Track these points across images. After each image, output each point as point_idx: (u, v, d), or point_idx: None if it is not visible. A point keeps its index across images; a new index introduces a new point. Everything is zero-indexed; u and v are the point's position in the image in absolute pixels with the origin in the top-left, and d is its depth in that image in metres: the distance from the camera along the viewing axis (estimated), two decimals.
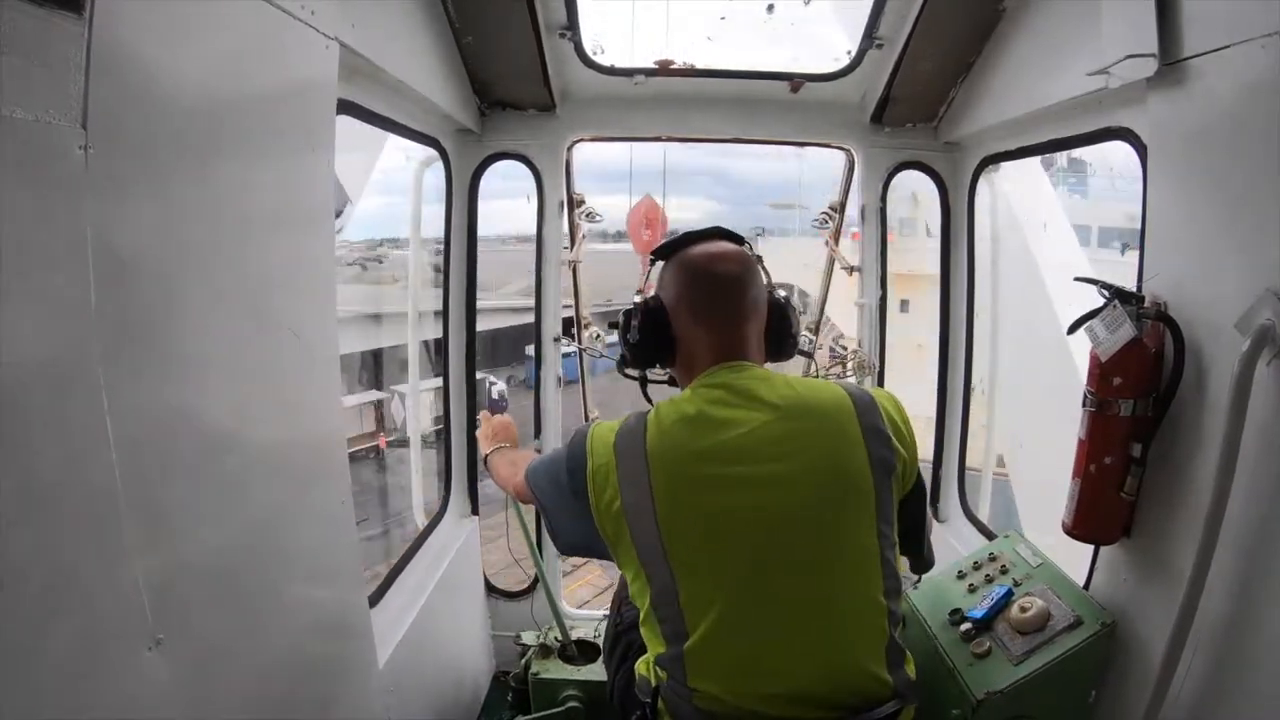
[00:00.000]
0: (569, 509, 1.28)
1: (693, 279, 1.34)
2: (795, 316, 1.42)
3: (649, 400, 1.42)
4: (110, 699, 0.86)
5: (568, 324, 2.70)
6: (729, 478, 1.20)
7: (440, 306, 2.64)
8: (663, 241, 1.43)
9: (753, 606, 1.18)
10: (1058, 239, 3.13)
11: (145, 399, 0.93)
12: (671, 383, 1.47)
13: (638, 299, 1.39)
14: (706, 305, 1.33)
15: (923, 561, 1.44)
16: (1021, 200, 2.94)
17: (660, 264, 1.40)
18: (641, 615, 1.25)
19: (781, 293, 1.41)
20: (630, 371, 1.47)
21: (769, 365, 1.38)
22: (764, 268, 1.40)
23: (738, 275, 1.33)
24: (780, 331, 1.38)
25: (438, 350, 2.70)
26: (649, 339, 1.36)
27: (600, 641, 2.16)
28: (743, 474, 1.20)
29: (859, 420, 1.24)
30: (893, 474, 1.24)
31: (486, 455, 1.81)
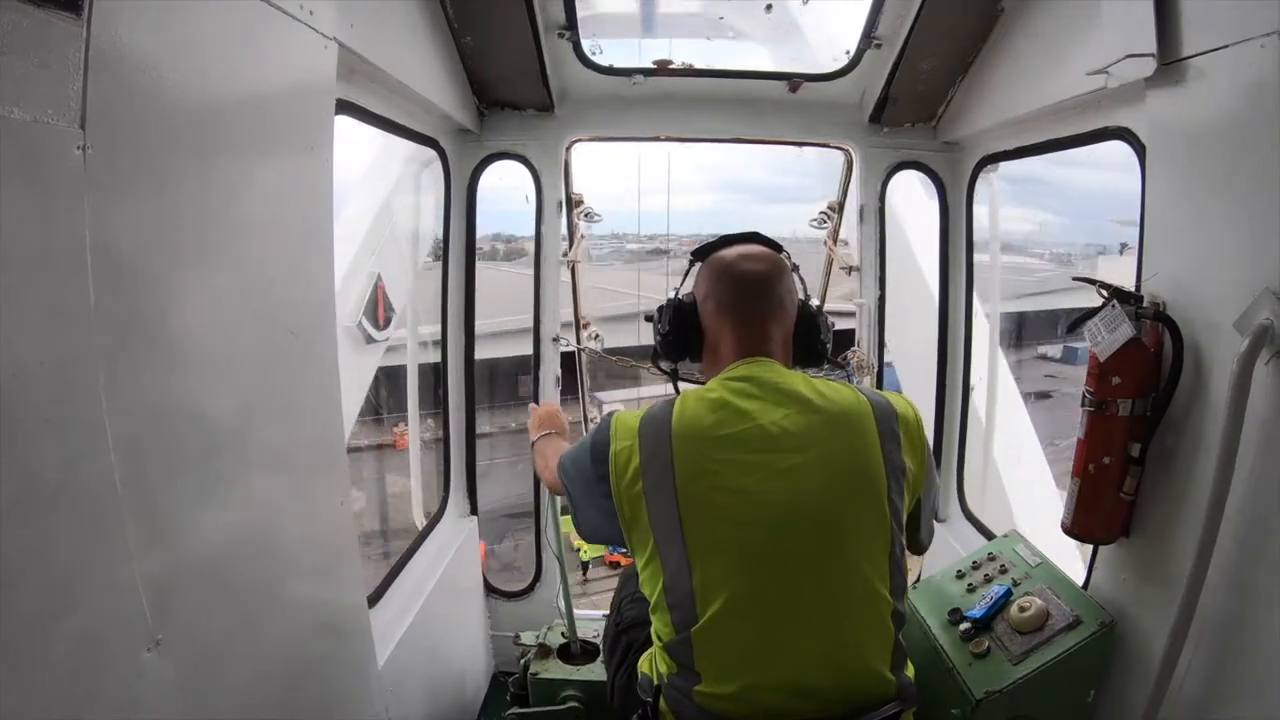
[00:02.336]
0: (592, 494, 1.31)
1: (720, 275, 1.40)
2: (825, 325, 1.47)
3: (678, 393, 1.44)
4: (110, 699, 0.86)
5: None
6: (749, 464, 1.22)
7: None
8: (700, 244, 1.49)
9: (763, 592, 1.20)
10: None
11: (144, 399, 0.93)
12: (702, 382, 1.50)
13: (672, 295, 1.46)
14: (730, 299, 1.38)
15: (918, 544, 1.41)
16: (908, 207, 3.00)
17: (698, 266, 1.46)
18: (652, 604, 1.27)
19: (815, 302, 1.46)
20: (663, 364, 1.53)
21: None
22: (800, 278, 1.45)
23: (763, 274, 1.38)
24: (808, 338, 1.43)
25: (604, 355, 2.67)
26: (677, 331, 1.43)
27: (600, 641, 2.16)
28: (762, 462, 1.22)
29: (876, 423, 1.26)
30: (904, 478, 1.27)
31: (534, 442, 1.84)
